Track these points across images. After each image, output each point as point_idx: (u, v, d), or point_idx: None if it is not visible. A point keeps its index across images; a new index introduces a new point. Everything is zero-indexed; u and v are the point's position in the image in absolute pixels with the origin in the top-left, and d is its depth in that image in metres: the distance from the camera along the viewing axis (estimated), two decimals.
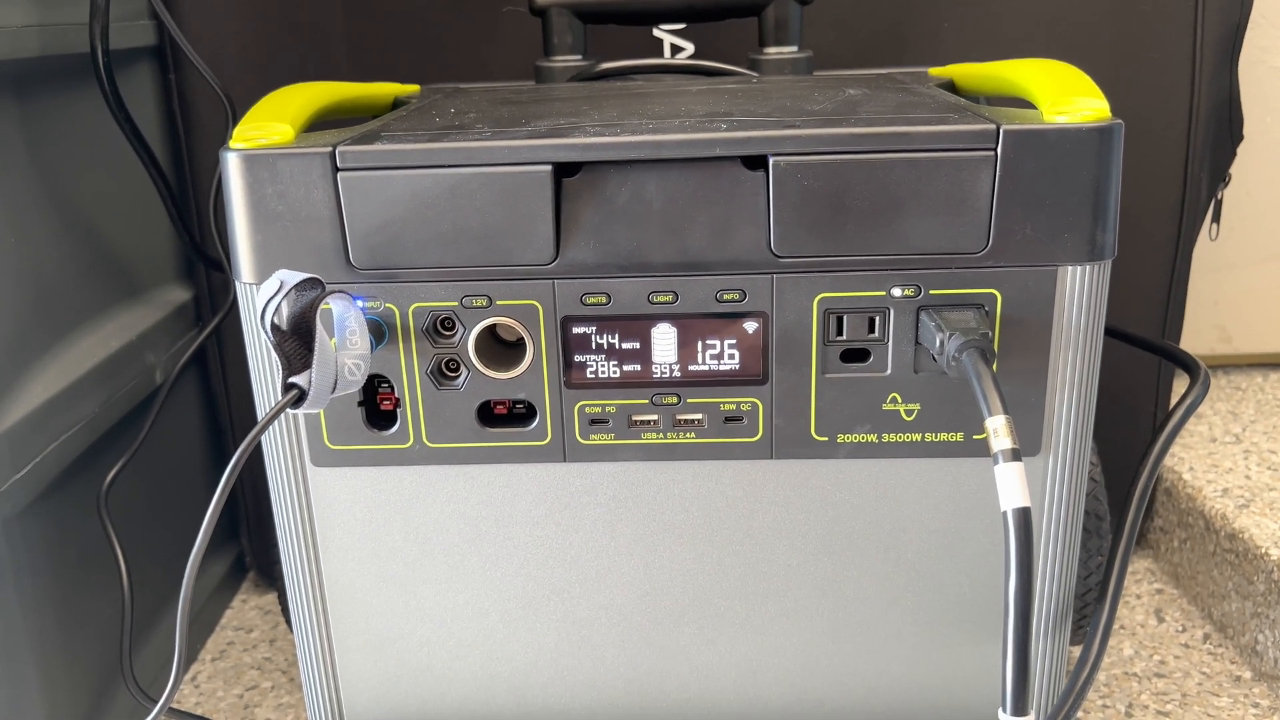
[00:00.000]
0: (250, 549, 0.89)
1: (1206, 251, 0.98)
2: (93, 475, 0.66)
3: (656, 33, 0.79)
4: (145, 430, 0.69)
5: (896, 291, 0.44)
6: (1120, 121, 0.43)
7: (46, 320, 0.63)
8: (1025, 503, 0.38)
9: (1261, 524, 0.75)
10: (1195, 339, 1.03)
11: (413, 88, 0.67)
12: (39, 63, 0.62)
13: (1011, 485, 0.38)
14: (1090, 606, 0.66)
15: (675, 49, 0.79)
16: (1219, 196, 0.84)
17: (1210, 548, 0.79)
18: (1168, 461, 0.86)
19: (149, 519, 0.75)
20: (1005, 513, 0.38)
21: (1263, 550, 0.72)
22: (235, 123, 0.66)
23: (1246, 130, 0.84)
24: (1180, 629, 0.79)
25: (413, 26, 0.80)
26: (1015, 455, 0.38)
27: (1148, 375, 0.85)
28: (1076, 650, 0.71)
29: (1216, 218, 0.85)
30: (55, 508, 0.62)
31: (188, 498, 0.81)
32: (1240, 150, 0.84)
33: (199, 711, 0.74)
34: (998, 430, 0.39)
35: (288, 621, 0.73)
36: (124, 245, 0.74)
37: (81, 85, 0.66)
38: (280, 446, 0.48)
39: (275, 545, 0.52)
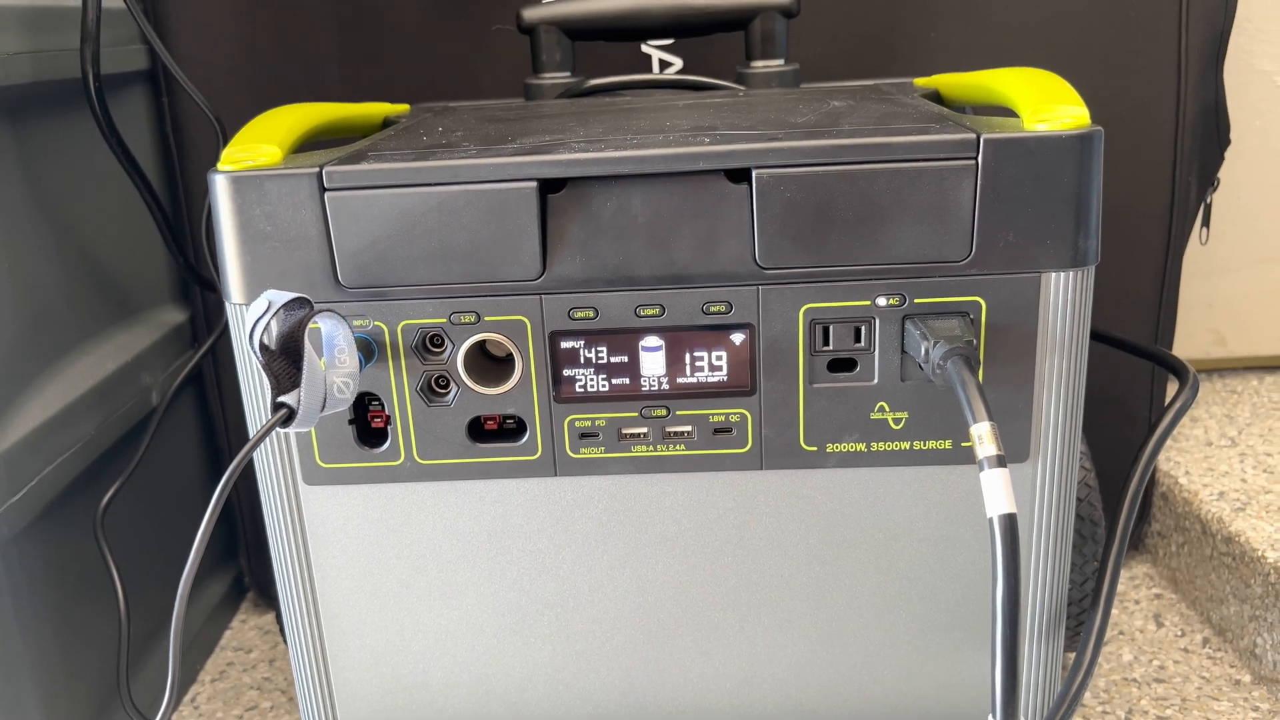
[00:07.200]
0: (249, 569, 0.89)
1: (1200, 255, 0.99)
2: (90, 496, 0.66)
3: (645, 48, 0.79)
4: (142, 451, 0.69)
5: (881, 301, 0.45)
6: (1100, 128, 0.43)
7: (42, 343, 0.64)
8: (1011, 509, 0.38)
9: (1258, 527, 0.75)
10: (1190, 343, 1.03)
11: (403, 107, 0.68)
12: (32, 88, 0.62)
13: (997, 492, 0.38)
14: (1088, 612, 0.66)
15: (664, 64, 0.80)
16: (1208, 201, 0.84)
17: (1207, 551, 0.79)
18: (1164, 466, 0.86)
19: (147, 539, 0.75)
20: (991, 519, 0.38)
21: (1259, 553, 0.72)
22: (226, 145, 0.67)
23: (1235, 134, 0.85)
24: (1179, 633, 0.79)
25: (405, 44, 0.80)
26: (1000, 462, 0.38)
27: (1142, 379, 0.85)
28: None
29: (1206, 222, 0.85)
30: (53, 529, 0.63)
31: (186, 517, 0.81)
32: (1230, 153, 0.84)
33: None
34: (982, 437, 0.39)
35: (287, 641, 0.73)
36: (119, 267, 0.74)
37: (75, 109, 0.66)
38: (272, 465, 0.48)
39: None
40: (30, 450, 0.59)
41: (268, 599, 0.90)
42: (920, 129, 0.44)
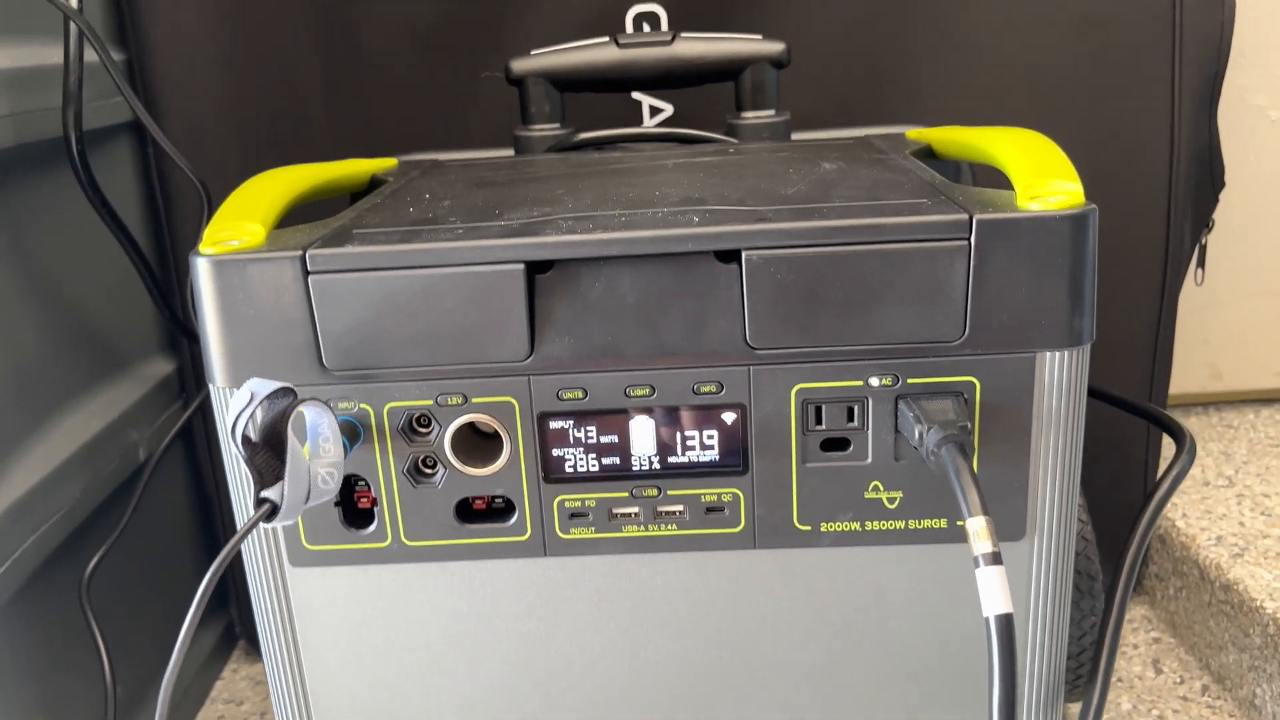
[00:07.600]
0: (239, 618, 0.89)
1: (1195, 290, 0.98)
2: (77, 559, 0.66)
3: (635, 94, 0.79)
4: (129, 513, 0.68)
5: (874, 381, 0.44)
6: (1094, 207, 0.43)
7: (27, 405, 0.63)
8: (1008, 609, 0.37)
9: (1256, 575, 0.74)
10: (1186, 377, 1.02)
11: (390, 162, 0.67)
12: (16, 150, 0.62)
13: (993, 591, 0.37)
14: (1085, 666, 0.65)
15: (654, 110, 0.79)
16: (1203, 242, 0.84)
17: (1206, 598, 0.78)
18: None
19: (138, 598, 0.74)
20: (987, 619, 0.37)
21: (1258, 603, 0.71)
22: (209, 205, 0.66)
23: (1229, 168, 0.84)
24: (1179, 680, 0.79)
25: (392, 90, 0.80)
26: (996, 559, 0.38)
27: (1139, 421, 0.84)
28: (1074, 706, 0.70)
29: (1201, 263, 0.85)
30: (38, 597, 0.62)
31: (177, 572, 0.80)
32: (1225, 186, 0.84)
33: None
34: (978, 533, 0.38)
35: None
36: (105, 320, 0.73)
37: (59, 167, 0.65)
38: (258, 548, 0.48)
39: None
40: (14, 521, 0.59)
41: (259, 648, 0.89)
42: (912, 207, 0.44)
